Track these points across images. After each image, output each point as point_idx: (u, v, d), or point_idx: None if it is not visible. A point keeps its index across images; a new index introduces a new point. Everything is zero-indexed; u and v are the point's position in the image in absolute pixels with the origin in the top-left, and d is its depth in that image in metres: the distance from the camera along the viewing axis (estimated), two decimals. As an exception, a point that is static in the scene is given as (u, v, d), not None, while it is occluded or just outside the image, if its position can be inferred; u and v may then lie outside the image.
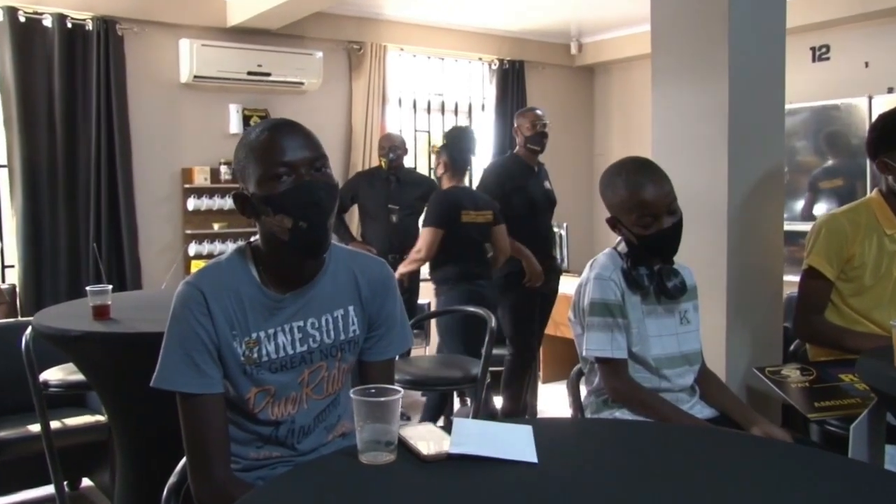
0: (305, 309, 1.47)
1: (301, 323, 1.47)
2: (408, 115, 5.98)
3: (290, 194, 1.37)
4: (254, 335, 1.44)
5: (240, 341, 1.43)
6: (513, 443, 1.28)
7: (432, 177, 4.89)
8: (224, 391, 1.43)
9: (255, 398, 1.46)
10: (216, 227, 4.96)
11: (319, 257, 1.46)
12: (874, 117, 2.33)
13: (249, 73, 4.93)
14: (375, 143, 5.44)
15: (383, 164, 4.49)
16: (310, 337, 1.48)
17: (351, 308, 1.52)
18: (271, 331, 1.45)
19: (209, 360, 1.40)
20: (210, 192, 4.93)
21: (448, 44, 5.97)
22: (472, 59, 6.23)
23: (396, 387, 1.27)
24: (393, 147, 4.47)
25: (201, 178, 4.91)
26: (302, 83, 5.16)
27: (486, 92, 6.30)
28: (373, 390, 1.24)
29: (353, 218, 5.00)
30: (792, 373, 2.10)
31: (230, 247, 4.81)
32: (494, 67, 6.22)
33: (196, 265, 4.78)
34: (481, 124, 6.25)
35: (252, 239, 1.50)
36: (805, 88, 4.88)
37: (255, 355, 1.44)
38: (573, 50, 6.56)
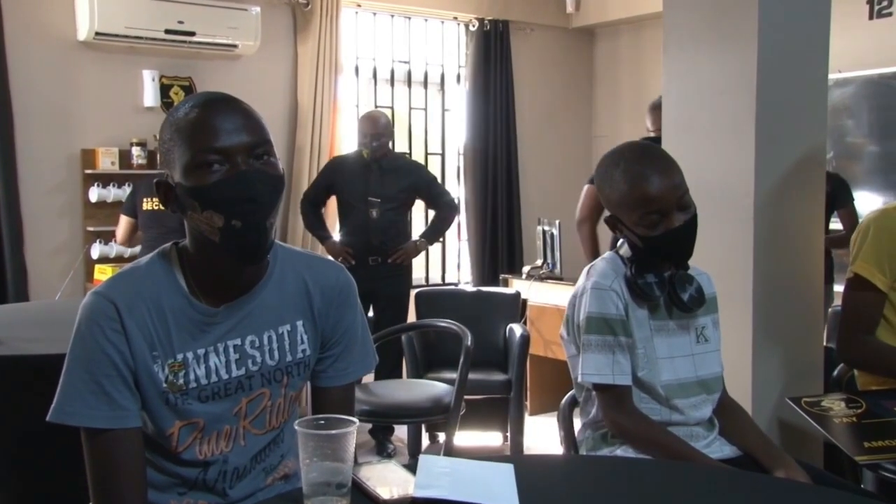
0: (244, 324, 1.48)
1: (238, 341, 1.48)
2: (366, 87, 5.99)
3: (221, 187, 1.37)
4: (179, 357, 1.44)
5: (162, 364, 1.43)
6: (490, 485, 1.30)
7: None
8: (141, 425, 1.43)
9: (180, 434, 1.46)
10: (124, 223, 4.90)
11: (257, 263, 1.47)
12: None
13: (168, 32, 4.90)
14: (326, 120, 5.47)
15: (365, 153, 4.55)
16: (249, 358, 1.49)
17: (300, 323, 1.53)
18: (201, 351, 1.45)
19: (123, 387, 1.40)
20: (119, 180, 4.88)
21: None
22: (445, 19, 6.26)
23: (350, 418, 1.28)
24: (376, 134, 4.51)
25: (107, 163, 4.87)
26: (235, 45, 5.15)
27: (462, 60, 6.34)
28: (322, 421, 1.25)
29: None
30: (835, 405, 2.13)
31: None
32: (473, 29, 6.25)
33: (101, 271, 4.71)
34: (457, 100, 6.28)
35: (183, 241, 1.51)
36: (859, 53, 4.91)
37: (181, 381, 1.44)
38: (569, 7, 6.59)
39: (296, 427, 1.24)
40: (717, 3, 2.59)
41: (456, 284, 6.36)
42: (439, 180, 5.24)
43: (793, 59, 2.58)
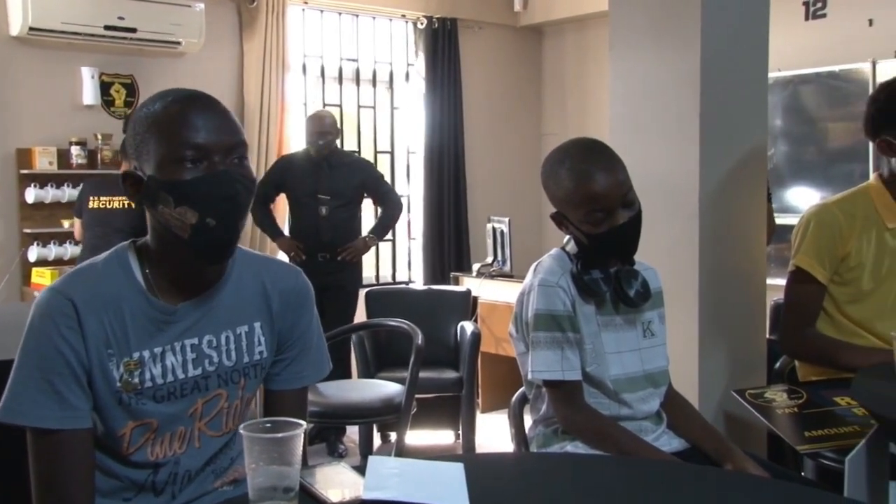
0: (202, 324, 1.47)
1: (195, 341, 1.47)
2: (314, 86, 5.94)
3: (200, 184, 1.37)
4: (136, 355, 1.42)
5: (117, 363, 1.41)
6: (440, 485, 1.30)
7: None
8: (92, 426, 1.41)
9: (132, 434, 1.44)
10: (66, 224, 4.81)
11: (222, 262, 1.47)
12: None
13: (107, 28, 4.80)
14: (273, 119, 5.43)
15: (312, 151, 4.59)
16: (206, 358, 1.48)
17: (257, 325, 1.53)
18: (158, 350, 1.44)
19: (75, 386, 1.38)
20: (57, 180, 4.79)
21: (364, -3, 5.97)
22: (393, 17, 6.24)
23: (297, 420, 1.26)
24: (322, 133, 4.55)
25: (44, 162, 4.77)
26: (178, 43, 5.07)
27: (411, 58, 6.32)
28: (268, 424, 1.23)
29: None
30: (778, 396, 2.17)
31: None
32: (421, 27, 6.25)
33: (39, 274, 4.63)
34: (406, 98, 6.27)
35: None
36: (797, 52, 5.05)
37: (136, 380, 1.42)
38: (517, 6, 6.64)
39: (241, 431, 1.22)
40: (662, 3, 2.62)
41: (406, 283, 6.34)
42: (388, 178, 5.26)
43: (734, 57, 2.62)
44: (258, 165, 5.37)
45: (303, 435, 1.22)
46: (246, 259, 1.56)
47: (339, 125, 4.71)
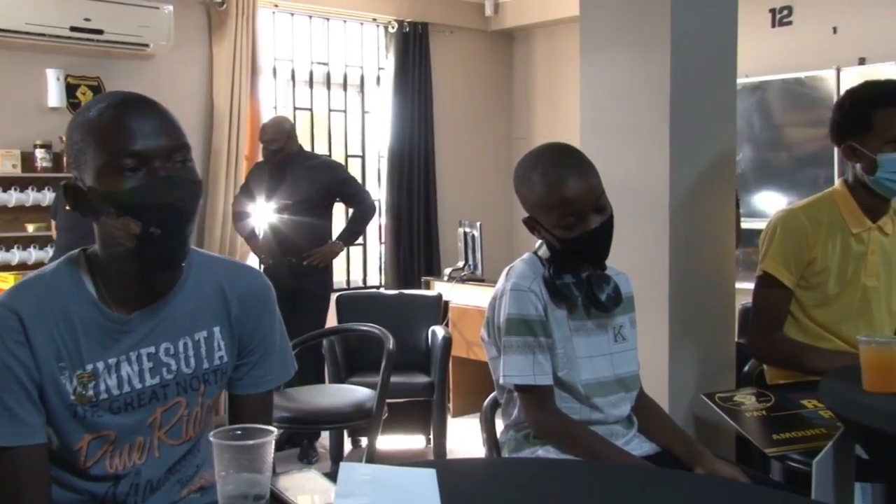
0: (158, 332, 1.45)
1: (152, 349, 1.44)
2: (285, 89, 5.91)
3: (139, 192, 1.33)
4: (89, 367, 1.40)
5: (70, 376, 1.38)
6: (412, 491, 1.29)
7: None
8: (46, 441, 1.38)
9: (89, 448, 1.42)
10: (31, 228, 4.76)
11: (173, 270, 1.45)
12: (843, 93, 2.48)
13: (73, 29, 4.73)
14: (243, 123, 5.40)
15: (265, 159, 4.68)
16: (164, 366, 1.45)
17: (217, 329, 1.51)
18: (112, 361, 1.41)
19: (26, 402, 1.35)
20: (21, 184, 4.72)
21: (335, 0, 5.95)
22: (364, 21, 6.23)
23: (268, 427, 1.25)
24: (269, 140, 4.60)
25: (8, 166, 4.70)
26: (146, 45, 5.01)
27: (381, 62, 6.32)
28: (238, 431, 1.22)
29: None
30: (746, 399, 2.19)
31: (50, 254, 4.65)
32: (392, 31, 6.24)
33: (2, 279, 4.56)
34: (377, 102, 6.26)
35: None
36: (763, 59, 5.11)
37: (91, 392, 1.40)
38: (488, 10, 6.66)
39: (210, 438, 1.21)
40: (632, 9, 2.64)
41: (378, 287, 6.32)
42: (358, 180, 5.22)
43: (704, 63, 2.64)
44: (228, 169, 5.34)
45: (273, 442, 1.21)
46: (204, 262, 1.53)
47: (288, 131, 4.67)
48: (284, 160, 4.60)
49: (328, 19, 6.08)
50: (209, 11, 5.44)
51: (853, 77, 4.51)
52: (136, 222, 1.34)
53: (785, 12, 5.35)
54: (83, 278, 1.42)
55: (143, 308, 1.43)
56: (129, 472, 1.45)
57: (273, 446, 1.21)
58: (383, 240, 6.36)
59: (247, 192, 4.78)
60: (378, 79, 6.32)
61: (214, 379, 1.51)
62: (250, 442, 1.19)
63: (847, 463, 1.88)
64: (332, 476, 1.33)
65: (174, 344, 1.46)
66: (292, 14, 5.90)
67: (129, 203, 1.33)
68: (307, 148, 5.73)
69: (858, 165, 2.31)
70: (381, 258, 6.43)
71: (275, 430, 1.23)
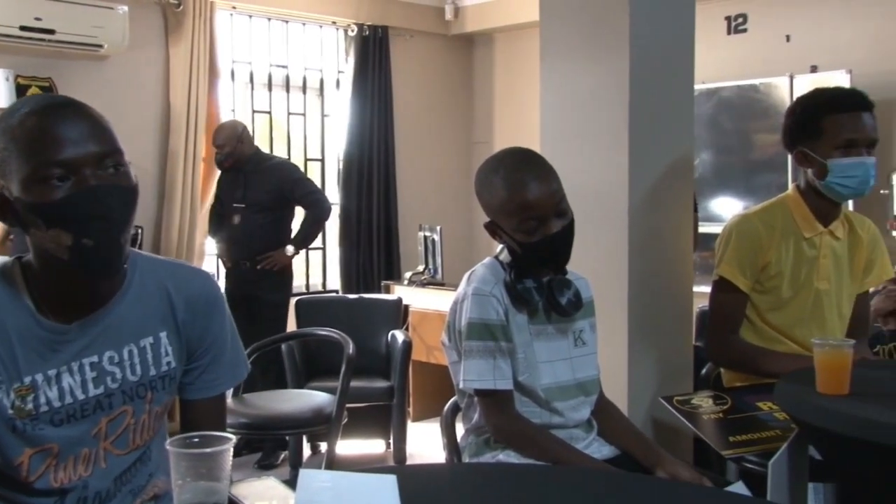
0: (101, 340, 1.42)
1: (95, 359, 1.41)
2: (243, 92, 5.86)
3: (69, 204, 1.28)
4: (27, 380, 1.36)
5: (7, 390, 1.35)
6: (372, 498, 1.28)
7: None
8: None
9: (31, 462, 1.38)
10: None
11: (110, 278, 1.40)
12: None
13: (24, 29, 4.62)
14: (200, 125, 5.34)
15: (217, 163, 4.68)
16: (108, 375, 1.42)
17: (163, 334, 1.48)
18: (52, 372, 1.38)
19: None
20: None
21: (293, 3, 5.91)
22: (323, 24, 6.20)
23: (227, 433, 1.23)
24: (219, 145, 4.63)
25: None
26: (100, 45, 4.92)
27: (341, 65, 6.29)
28: (196, 439, 1.20)
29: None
30: (704, 402, 2.22)
31: None
32: (352, 34, 6.22)
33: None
34: (337, 105, 6.23)
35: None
36: (720, 66, 5.19)
37: (30, 406, 1.36)
38: (448, 15, 6.67)
39: (167, 447, 1.19)
40: (591, 15, 2.66)
41: (338, 292, 6.29)
42: (313, 181, 5.12)
43: (662, 69, 2.67)
44: (185, 172, 5.27)
45: (231, 450, 1.19)
46: (149, 266, 1.49)
47: (240, 134, 4.65)
48: (238, 164, 4.59)
49: (287, 22, 6.03)
50: (165, 12, 5.37)
51: (806, 84, 4.59)
52: (66, 234, 1.28)
53: (740, 20, 5.45)
54: (17, 288, 1.38)
55: (84, 317, 1.40)
56: (75, 485, 1.42)
57: (231, 454, 1.19)
58: (341, 244, 6.28)
59: (217, 199, 4.79)
60: (338, 82, 6.29)
61: (162, 385, 1.48)
62: (208, 450, 1.17)
63: (801, 464, 1.91)
64: (291, 483, 1.32)
65: (118, 352, 1.43)
66: (251, 16, 5.85)
67: (58, 215, 1.28)
68: (267, 151, 5.70)
69: (810, 171, 2.36)
70: (339, 262, 6.35)
71: (233, 438, 1.21)
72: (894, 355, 2.92)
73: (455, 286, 2.06)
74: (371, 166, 6.22)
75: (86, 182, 1.28)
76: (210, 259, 5.31)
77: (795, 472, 1.88)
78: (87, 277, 1.36)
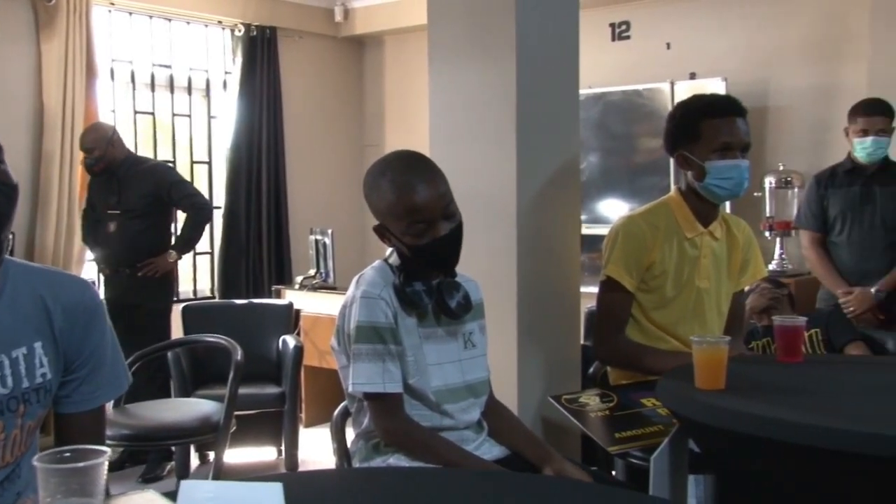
0: None
1: None
2: (124, 92, 5.67)
3: None
4: None
5: None
6: (258, 507, 1.25)
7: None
8: None
9: None
10: None
11: None
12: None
13: None
14: (77, 126, 5.12)
15: (85, 166, 4.51)
16: None
17: (38, 345, 1.42)
18: None
19: None
20: None
21: (177, 1, 5.76)
22: (209, 23, 6.06)
23: (100, 447, 1.18)
24: (87, 149, 4.44)
25: None
26: (-37, 40, 4.68)
27: (228, 66, 6.16)
28: (67, 453, 1.15)
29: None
30: (591, 400, 2.27)
31: None
32: (239, 34, 6.10)
33: None
34: (224, 106, 6.10)
35: None
36: (605, 71, 5.33)
37: None
38: (338, 16, 6.63)
39: (34, 463, 1.13)
40: (478, 19, 2.68)
41: (224, 298, 6.13)
42: (191, 183, 4.96)
43: (548, 73, 2.72)
44: (61, 173, 5.04)
45: (106, 463, 1.14)
46: (22, 273, 1.44)
47: (109, 138, 4.47)
48: (109, 168, 4.40)
49: (170, 20, 5.87)
50: (35, 6, 5.12)
51: (685, 90, 4.77)
52: None
53: (623, 27, 5.61)
54: None
55: None
56: None
57: (106, 467, 1.14)
58: (229, 248, 6.10)
59: (90, 204, 4.59)
60: (225, 83, 6.16)
61: (36, 398, 1.42)
62: (80, 464, 1.12)
63: (681, 457, 1.97)
64: (172, 496, 1.28)
65: None
66: (130, 13, 5.66)
67: None
68: (149, 154, 5.53)
69: (690, 173, 2.45)
70: (222, 266, 6.13)
71: (108, 451, 1.16)
72: (767, 350, 3.07)
73: (345, 290, 2.04)
74: (260, 169, 6.11)
75: None
76: (89, 266, 5.07)
77: (676, 465, 1.94)
78: None
